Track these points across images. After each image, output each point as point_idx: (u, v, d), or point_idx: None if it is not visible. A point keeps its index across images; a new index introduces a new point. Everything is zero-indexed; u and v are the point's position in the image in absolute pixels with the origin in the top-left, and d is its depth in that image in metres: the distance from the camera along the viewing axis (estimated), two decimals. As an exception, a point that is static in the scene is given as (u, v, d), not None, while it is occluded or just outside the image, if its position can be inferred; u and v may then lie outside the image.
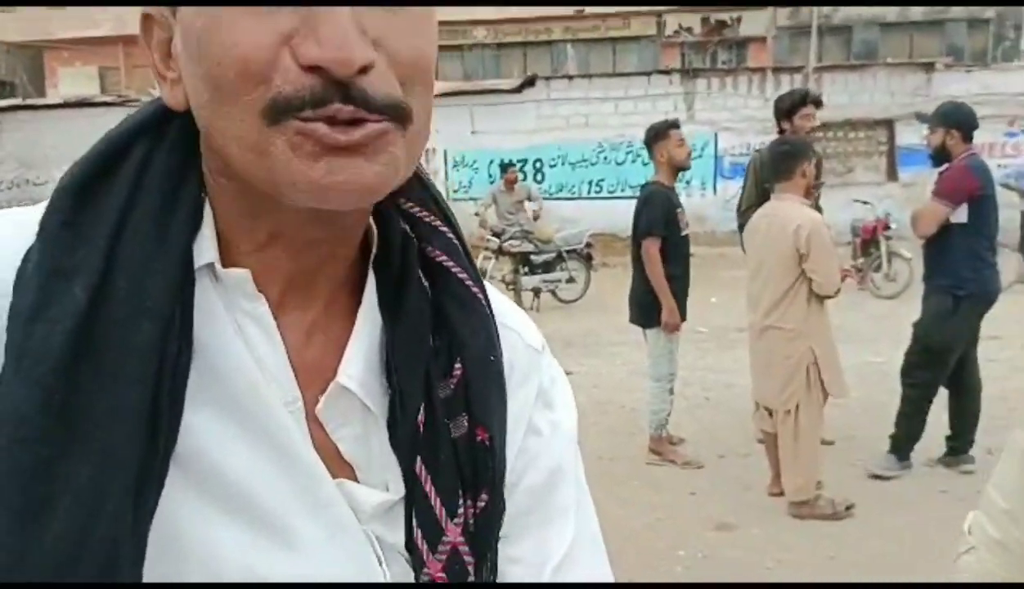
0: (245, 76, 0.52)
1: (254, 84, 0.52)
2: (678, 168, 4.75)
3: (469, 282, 0.68)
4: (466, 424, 0.65)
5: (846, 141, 14.55)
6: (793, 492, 4.12)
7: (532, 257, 10.09)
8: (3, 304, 0.55)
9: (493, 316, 0.70)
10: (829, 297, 4.03)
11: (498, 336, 0.69)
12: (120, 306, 0.55)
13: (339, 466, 0.62)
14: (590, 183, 15.06)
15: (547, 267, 10.16)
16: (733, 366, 6.38)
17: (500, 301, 0.74)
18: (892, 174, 14.75)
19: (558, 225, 11.52)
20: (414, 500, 0.63)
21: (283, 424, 0.59)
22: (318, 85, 0.51)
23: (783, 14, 25.80)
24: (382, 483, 0.64)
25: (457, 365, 0.66)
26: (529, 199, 10.68)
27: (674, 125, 4.76)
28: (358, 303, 0.65)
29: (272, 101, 0.52)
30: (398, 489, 0.63)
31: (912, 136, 13.90)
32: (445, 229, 0.69)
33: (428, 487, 0.63)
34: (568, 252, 10.25)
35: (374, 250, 0.66)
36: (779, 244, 4.00)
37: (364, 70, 0.52)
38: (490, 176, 14.24)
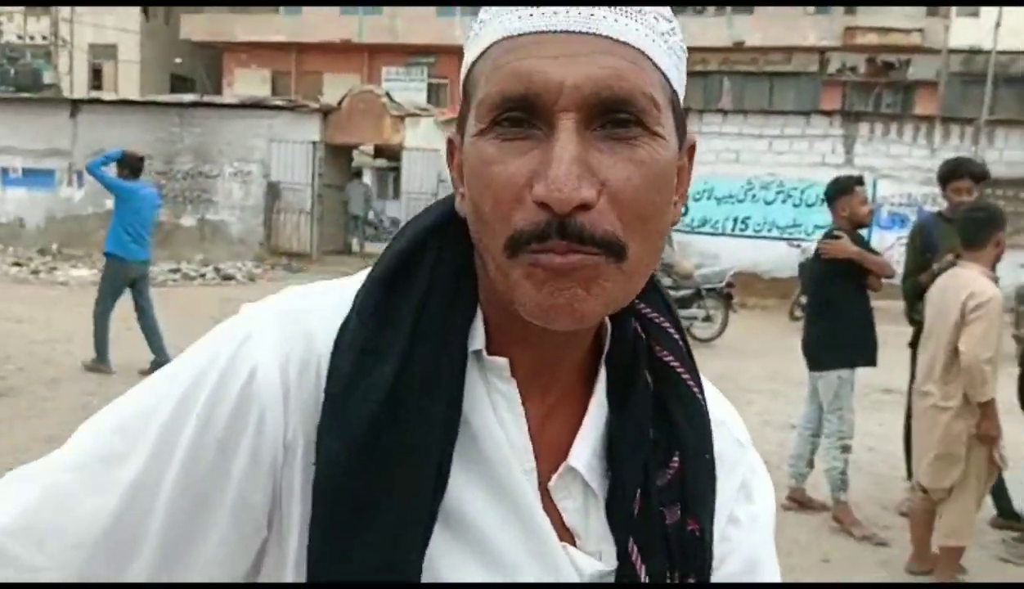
0: (497, 211, 0.62)
1: (501, 218, 0.61)
2: (858, 225, 4.68)
3: (691, 383, 0.76)
4: (679, 513, 0.72)
5: (1017, 200, 13.60)
6: (947, 533, 3.87)
7: (670, 292, 9.93)
8: (323, 367, 0.66)
9: (708, 415, 0.76)
10: (975, 388, 3.72)
11: (711, 433, 0.76)
12: (420, 384, 0.65)
13: (561, 532, 0.70)
14: (735, 220, 14.76)
15: (684, 303, 10.03)
16: (877, 429, 6.07)
17: (712, 395, 0.81)
18: (1067, 238, 13.73)
19: (698, 260, 11.35)
20: (625, 576, 0.70)
21: (524, 491, 0.68)
22: (543, 220, 0.59)
23: (956, 60, 24.54)
24: (596, 552, 0.71)
25: (675, 458, 0.73)
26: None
27: (859, 181, 4.73)
28: (590, 391, 0.73)
29: (511, 237, 0.61)
30: (610, 561, 0.71)
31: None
32: (673, 331, 0.77)
33: (639, 566, 0.70)
34: (708, 290, 10.11)
35: (607, 346, 0.73)
36: (951, 315, 3.79)
37: (583, 207, 0.59)
38: (633, 205, 14.17)
